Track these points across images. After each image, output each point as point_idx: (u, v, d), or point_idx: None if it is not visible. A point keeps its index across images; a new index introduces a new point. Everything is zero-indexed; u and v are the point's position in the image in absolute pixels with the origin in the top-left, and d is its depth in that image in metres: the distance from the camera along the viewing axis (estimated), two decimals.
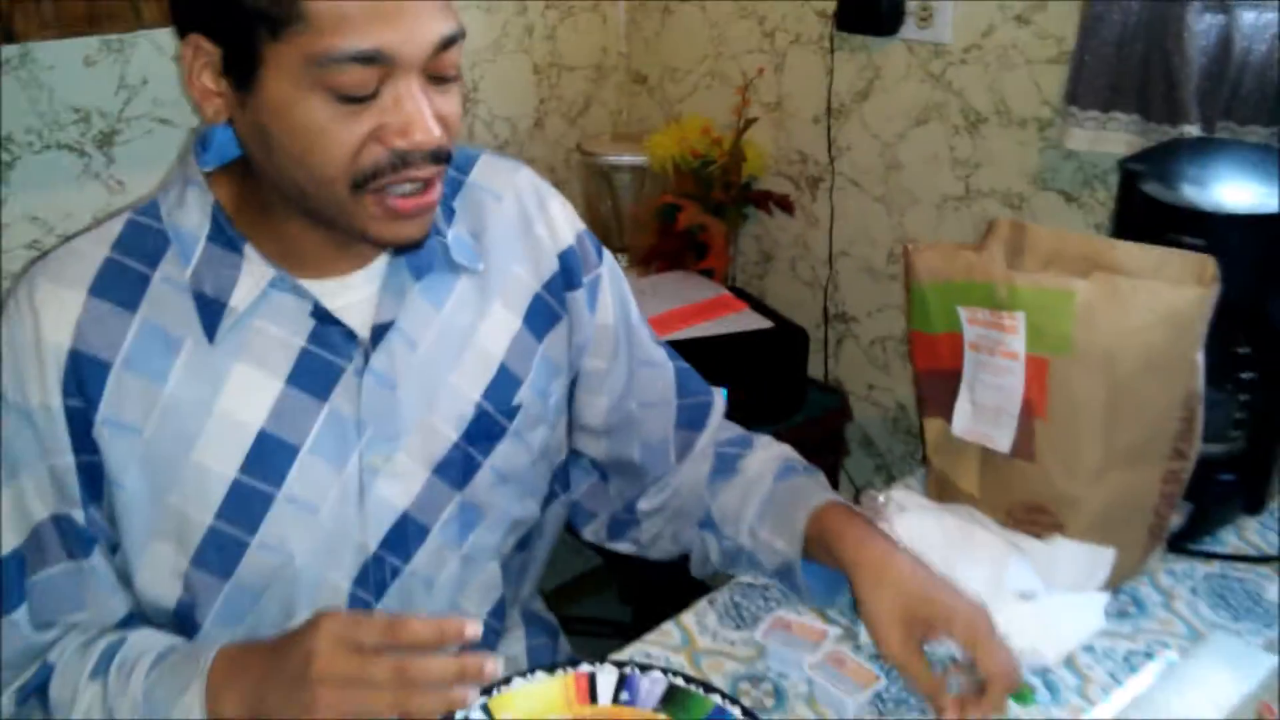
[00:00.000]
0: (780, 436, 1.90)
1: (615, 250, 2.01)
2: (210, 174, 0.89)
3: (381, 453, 0.91)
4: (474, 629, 0.76)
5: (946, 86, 1.73)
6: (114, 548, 0.90)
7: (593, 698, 0.93)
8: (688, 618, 1.05)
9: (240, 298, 0.86)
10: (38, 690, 0.89)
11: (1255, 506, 1.21)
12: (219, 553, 0.89)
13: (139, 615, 0.93)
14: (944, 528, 1.07)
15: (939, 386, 1.13)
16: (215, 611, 0.91)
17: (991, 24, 1.66)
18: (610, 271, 1.07)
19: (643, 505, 1.12)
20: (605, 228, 2.06)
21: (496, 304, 0.98)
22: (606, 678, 0.94)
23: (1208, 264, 0.98)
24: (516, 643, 1.12)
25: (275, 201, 0.86)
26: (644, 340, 1.09)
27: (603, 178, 2.04)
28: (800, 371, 1.84)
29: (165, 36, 1.52)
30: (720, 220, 1.92)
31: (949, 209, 1.78)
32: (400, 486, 0.93)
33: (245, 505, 0.88)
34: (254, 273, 0.87)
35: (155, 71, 1.55)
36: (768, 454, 1.10)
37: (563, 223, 1.03)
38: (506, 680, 0.93)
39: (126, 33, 1.38)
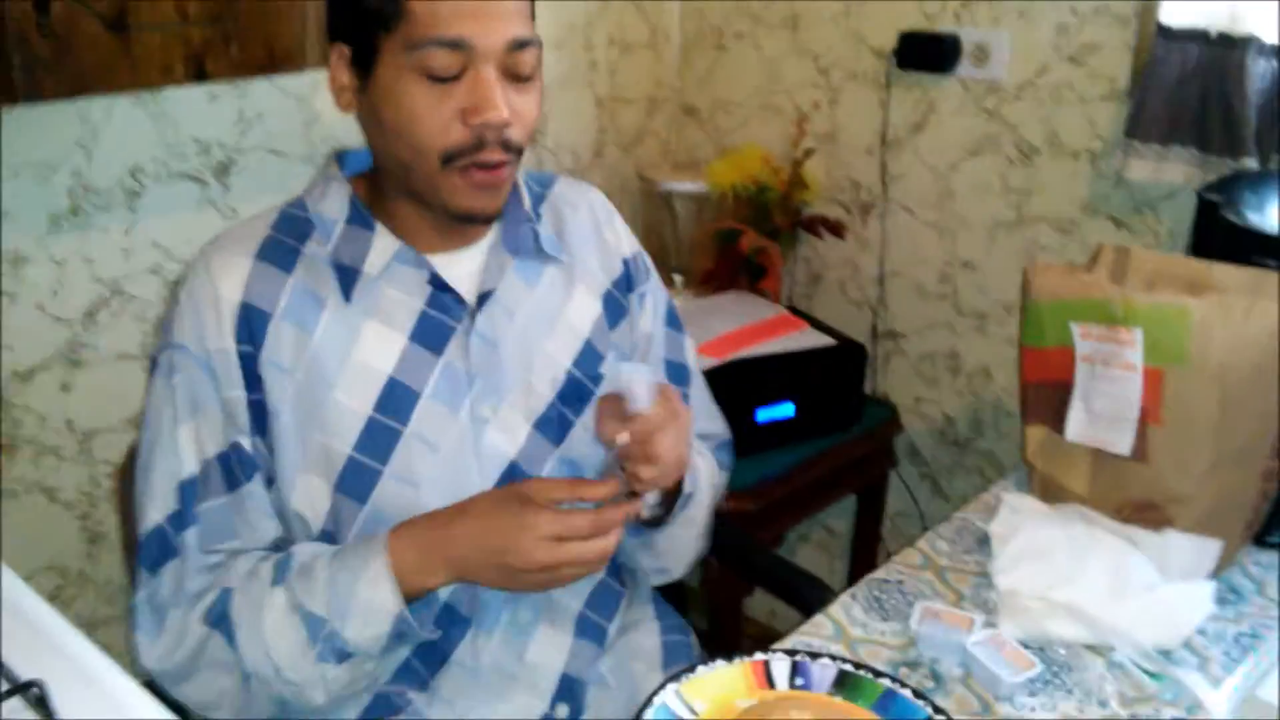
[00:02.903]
0: (839, 447, 2.03)
1: (671, 270, 2.11)
2: (347, 179, 1.06)
3: (489, 403, 1.05)
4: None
5: (1000, 120, 1.85)
6: (270, 481, 1.02)
7: (770, 683, 1.02)
8: (835, 611, 1.14)
9: (372, 264, 1.02)
10: (221, 617, 0.99)
11: None
12: (357, 480, 1.01)
13: (287, 542, 1.04)
14: (1067, 530, 1.17)
15: (1045, 396, 1.23)
16: (353, 536, 1.02)
17: (1045, 64, 1.78)
18: (656, 284, 1.24)
19: None
20: (663, 250, 2.15)
21: (580, 289, 1.14)
22: (780, 665, 1.03)
23: None
24: (650, 636, 1.20)
25: (392, 189, 1.03)
26: (680, 346, 1.24)
27: (662, 202, 2.14)
28: (859, 385, 1.93)
29: (284, 78, 1.61)
30: (777, 243, 2.02)
31: (1000, 232, 1.90)
32: (507, 437, 1.06)
33: (378, 439, 1.02)
34: (382, 246, 1.03)
35: (270, 107, 1.63)
36: None
37: (625, 236, 1.22)
38: (691, 669, 1.02)
39: (297, 72, 1.46)
